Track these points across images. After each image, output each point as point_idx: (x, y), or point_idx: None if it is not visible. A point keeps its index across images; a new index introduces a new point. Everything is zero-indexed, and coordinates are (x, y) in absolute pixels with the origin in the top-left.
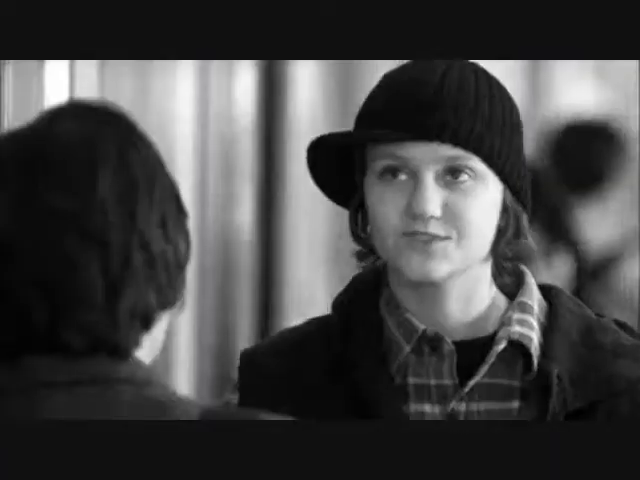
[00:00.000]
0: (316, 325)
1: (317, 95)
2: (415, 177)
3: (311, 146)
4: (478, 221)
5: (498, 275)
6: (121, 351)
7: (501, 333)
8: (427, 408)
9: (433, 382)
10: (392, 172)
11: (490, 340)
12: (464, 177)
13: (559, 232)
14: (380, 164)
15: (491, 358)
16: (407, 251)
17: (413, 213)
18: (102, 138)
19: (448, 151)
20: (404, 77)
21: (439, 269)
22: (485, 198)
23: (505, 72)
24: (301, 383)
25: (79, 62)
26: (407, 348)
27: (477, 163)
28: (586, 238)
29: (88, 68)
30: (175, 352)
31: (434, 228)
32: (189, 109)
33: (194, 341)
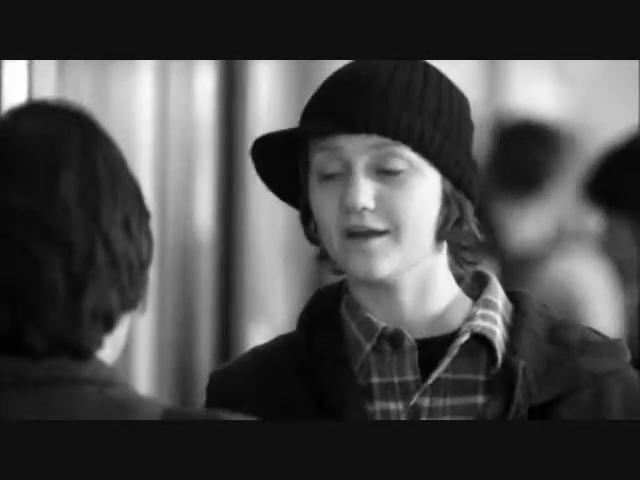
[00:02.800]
0: (283, 340)
1: (277, 95)
2: (349, 171)
3: (253, 153)
4: (414, 213)
5: (458, 267)
6: (83, 352)
7: (464, 327)
8: (392, 405)
9: (396, 380)
10: (329, 164)
11: (453, 337)
12: (397, 168)
13: (485, 232)
14: (318, 158)
15: (453, 351)
16: (350, 251)
17: (346, 207)
18: (65, 137)
19: (377, 141)
20: (339, 74)
21: (380, 267)
22: (421, 189)
23: (462, 71)
24: (269, 397)
25: (38, 62)
26: (368, 346)
27: (409, 153)
28: (509, 238)
29: (47, 67)
30: (135, 351)
31: (370, 221)
32: (148, 110)
33: (154, 340)
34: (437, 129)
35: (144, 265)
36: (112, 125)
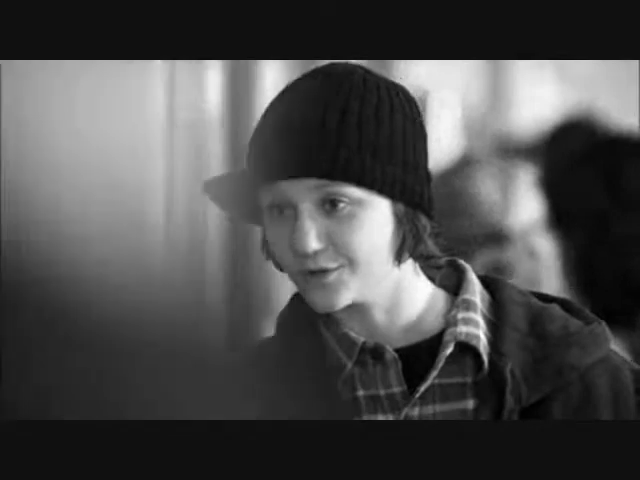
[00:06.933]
0: (261, 347)
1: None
2: (294, 212)
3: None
4: (365, 245)
5: (430, 269)
6: None
7: (447, 336)
8: (380, 417)
9: (382, 392)
10: (277, 207)
11: (436, 341)
12: (341, 204)
13: None
14: (265, 199)
15: (440, 362)
16: (307, 287)
17: (295, 251)
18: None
19: (317, 183)
20: (275, 112)
21: (339, 299)
22: (370, 220)
23: (463, 72)
24: None
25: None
26: (349, 363)
27: (352, 189)
28: None
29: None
30: None
31: (323, 261)
32: (157, 109)
33: None
34: (377, 158)
35: None
36: (119, 125)
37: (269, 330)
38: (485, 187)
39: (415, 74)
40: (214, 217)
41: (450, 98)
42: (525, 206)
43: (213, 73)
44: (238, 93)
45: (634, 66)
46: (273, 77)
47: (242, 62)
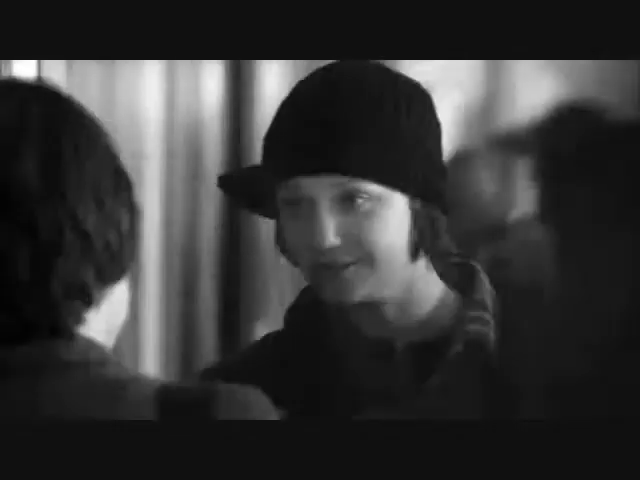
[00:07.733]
0: (270, 341)
1: (284, 95)
2: (312, 207)
3: (221, 186)
4: (383, 242)
5: (445, 269)
6: (61, 331)
7: (458, 333)
8: (383, 412)
9: (389, 385)
10: (295, 202)
11: (445, 339)
12: (360, 200)
13: None
14: (282, 194)
15: (448, 359)
16: (321, 280)
17: (313, 246)
18: (25, 112)
19: (337, 180)
20: (292, 109)
21: (354, 294)
22: (388, 217)
23: (464, 71)
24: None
25: (46, 62)
26: (358, 354)
27: (372, 186)
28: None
29: (55, 67)
30: (141, 355)
31: (340, 256)
32: (156, 108)
33: (160, 344)
34: (396, 155)
35: (126, 238)
36: (120, 124)
37: (261, 330)
38: (483, 180)
39: (415, 71)
40: (212, 220)
41: (451, 94)
42: (523, 198)
43: (212, 74)
44: (238, 94)
45: (634, 66)
46: (274, 79)
47: (242, 63)
